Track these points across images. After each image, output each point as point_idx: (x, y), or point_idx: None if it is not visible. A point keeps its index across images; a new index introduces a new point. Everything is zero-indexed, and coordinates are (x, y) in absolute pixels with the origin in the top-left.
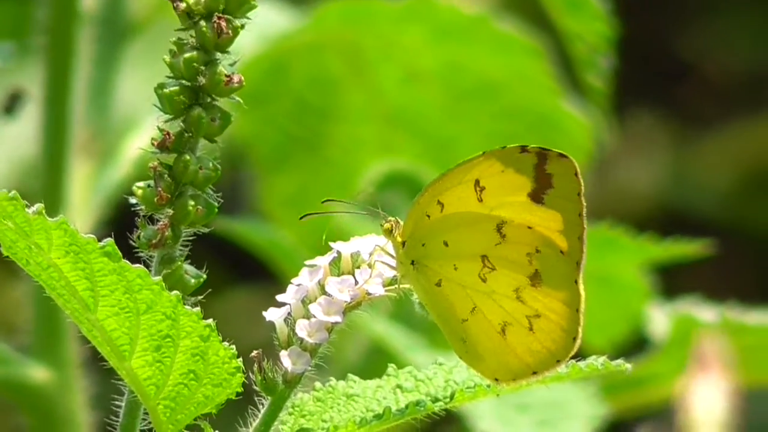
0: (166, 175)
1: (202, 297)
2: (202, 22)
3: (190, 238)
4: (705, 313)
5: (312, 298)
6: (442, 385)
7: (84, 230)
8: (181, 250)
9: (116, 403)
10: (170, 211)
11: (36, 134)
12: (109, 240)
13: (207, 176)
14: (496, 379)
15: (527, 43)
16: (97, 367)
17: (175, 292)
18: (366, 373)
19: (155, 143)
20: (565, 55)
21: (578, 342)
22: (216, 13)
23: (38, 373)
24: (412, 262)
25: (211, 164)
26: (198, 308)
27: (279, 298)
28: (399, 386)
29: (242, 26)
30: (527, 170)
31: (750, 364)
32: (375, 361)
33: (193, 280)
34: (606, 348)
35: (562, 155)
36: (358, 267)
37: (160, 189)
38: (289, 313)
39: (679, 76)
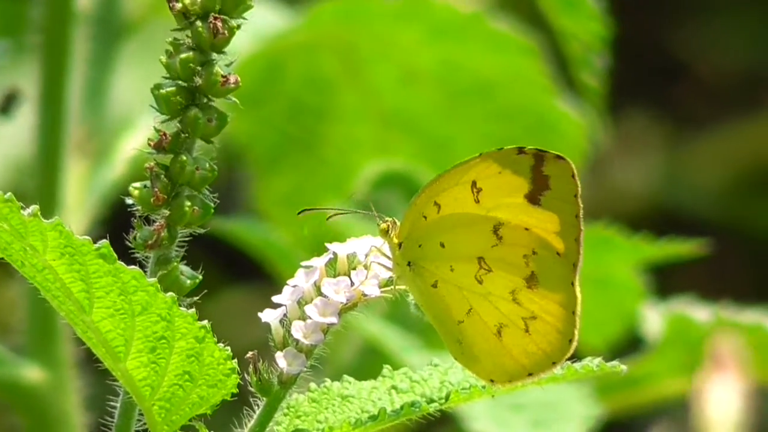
0: (162, 176)
1: (197, 298)
2: (198, 23)
3: (186, 239)
4: (699, 312)
5: (308, 299)
6: (438, 386)
7: (78, 230)
8: (177, 250)
9: (111, 403)
10: (166, 212)
11: (31, 133)
12: (105, 242)
13: (203, 177)
14: (492, 381)
15: (522, 42)
16: (91, 368)
17: (170, 293)
18: (360, 374)
19: (152, 144)
20: (560, 54)
21: (574, 344)
22: (212, 14)
23: (32, 374)
24: (409, 263)
25: (207, 165)
26: (193, 310)
27: (275, 299)
28: (394, 387)
29: (238, 26)
30: (524, 172)
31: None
32: (369, 362)
33: (188, 281)
34: (600, 347)
35: (559, 157)
36: (354, 268)
37: (156, 190)
38: (284, 314)
39: (673, 76)
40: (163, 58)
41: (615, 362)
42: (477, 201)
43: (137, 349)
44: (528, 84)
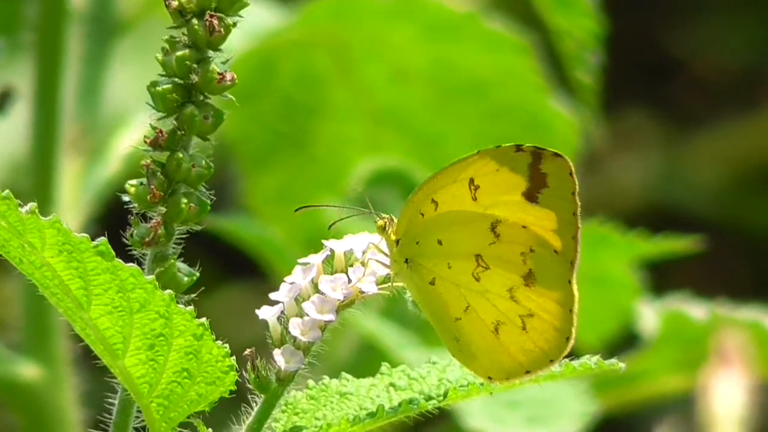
0: (158, 173)
1: (195, 295)
2: (194, 20)
3: (183, 236)
4: (695, 309)
5: (305, 296)
6: (436, 383)
7: (74, 228)
8: (174, 247)
9: (108, 400)
10: (163, 209)
11: (25, 131)
12: (103, 239)
13: (200, 174)
14: (489, 378)
15: (516, 41)
16: (87, 365)
17: (168, 290)
18: (356, 371)
19: (148, 141)
20: (554, 53)
21: (571, 342)
22: (208, 11)
23: (28, 371)
24: (406, 260)
25: (203, 162)
26: (191, 307)
27: (272, 296)
28: (392, 384)
29: (234, 24)
30: (522, 169)
31: None
32: (366, 359)
33: (186, 279)
34: (596, 344)
35: (557, 154)
36: (351, 265)
37: (152, 187)
38: (282, 312)
39: (670, 74)
40: (160, 56)
41: (613, 360)
42: (474, 198)
43: (135, 346)
44: (521, 82)
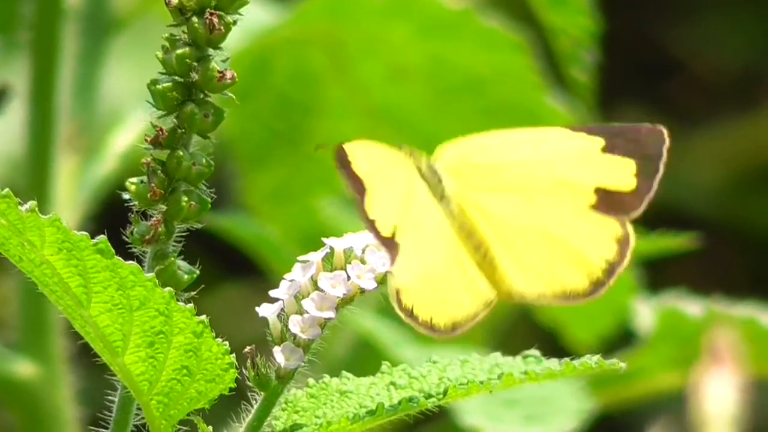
0: (159, 171)
1: (194, 293)
2: (194, 18)
3: (183, 234)
4: (691, 306)
5: (305, 293)
6: (436, 381)
7: (70, 226)
8: (174, 246)
9: (107, 398)
10: (163, 207)
11: (21, 130)
12: (102, 237)
13: (200, 172)
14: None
15: (512, 38)
16: (83, 362)
17: (168, 288)
18: (353, 368)
19: (148, 139)
20: (550, 50)
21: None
22: (208, 9)
23: (25, 369)
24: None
25: (204, 160)
26: (191, 305)
27: (272, 293)
28: (392, 383)
29: (234, 22)
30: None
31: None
32: (362, 357)
33: (186, 276)
34: (592, 342)
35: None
36: (350, 263)
37: (153, 185)
38: (282, 309)
39: (669, 73)
40: (160, 54)
41: (614, 360)
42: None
43: (135, 343)
44: (517, 80)
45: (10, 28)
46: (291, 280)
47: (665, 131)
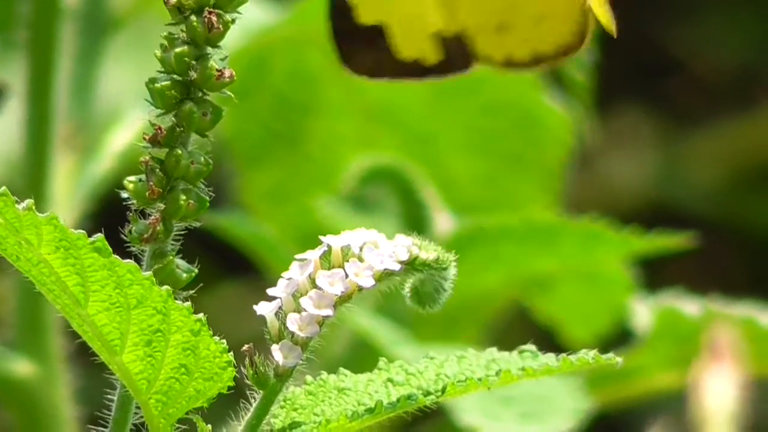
0: (157, 170)
1: (192, 291)
2: (193, 17)
3: (181, 232)
4: (688, 305)
5: (303, 291)
6: (433, 378)
7: (68, 225)
8: (172, 244)
9: (105, 397)
10: (162, 206)
11: (18, 129)
12: (100, 236)
13: (199, 170)
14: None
15: None
16: (81, 361)
17: (166, 286)
18: (351, 365)
19: (146, 138)
20: None
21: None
22: (207, 8)
23: (22, 368)
24: None
25: (202, 159)
26: (189, 303)
27: (270, 292)
28: (390, 380)
29: (233, 21)
30: None
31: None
32: (358, 355)
33: (184, 275)
34: (589, 341)
35: None
36: (348, 260)
37: (151, 183)
38: (279, 307)
39: (668, 73)
40: (158, 53)
41: (610, 354)
42: None
43: (133, 342)
44: (515, 79)
45: (8, 26)
46: (289, 279)
47: None
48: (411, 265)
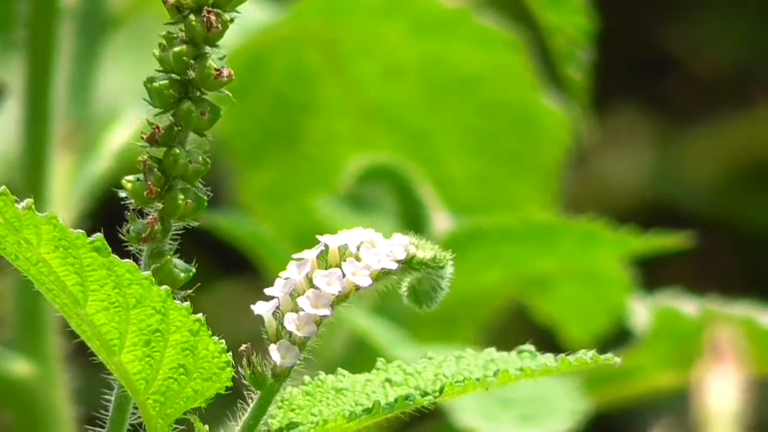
0: (155, 169)
1: (191, 291)
2: (192, 16)
3: (179, 232)
4: (687, 305)
5: (300, 291)
6: (432, 378)
7: (67, 224)
8: (170, 243)
9: (103, 397)
10: (160, 205)
11: (16, 128)
12: (99, 235)
13: (197, 170)
14: None
15: (507, 37)
16: (79, 361)
17: (164, 286)
18: (348, 365)
19: (144, 137)
20: (545, 49)
21: None
22: (205, 7)
23: (21, 367)
24: None
25: (200, 158)
26: (187, 303)
27: (267, 291)
28: (388, 380)
29: (232, 20)
30: None
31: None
32: (356, 355)
33: (182, 274)
34: (587, 341)
35: None
36: (345, 260)
37: (149, 183)
38: (277, 307)
39: (665, 72)
40: (156, 52)
41: (609, 354)
42: None
43: (132, 342)
44: (512, 79)
45: (6, 26)
46: (286, 278)
47: None
48: (408, 264)
